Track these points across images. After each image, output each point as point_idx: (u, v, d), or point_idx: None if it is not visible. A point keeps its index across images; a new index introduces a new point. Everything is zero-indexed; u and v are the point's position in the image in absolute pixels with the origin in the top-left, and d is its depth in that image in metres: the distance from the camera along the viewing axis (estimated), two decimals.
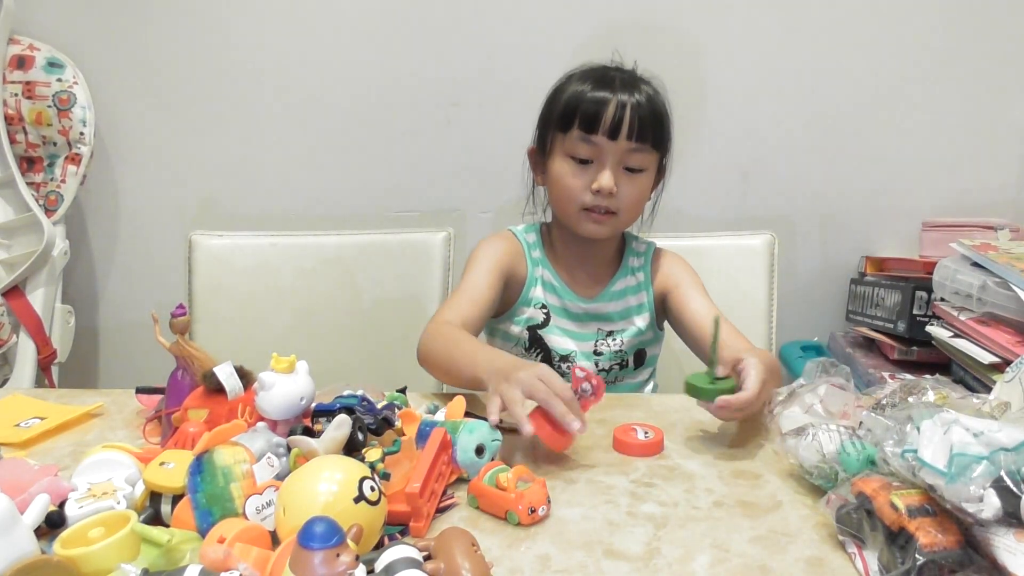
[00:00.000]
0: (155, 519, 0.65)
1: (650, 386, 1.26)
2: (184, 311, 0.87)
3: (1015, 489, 0.54)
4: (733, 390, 0.84)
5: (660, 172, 1.16)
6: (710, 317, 1.14)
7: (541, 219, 1.24)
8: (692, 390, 0.86)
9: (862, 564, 0.61)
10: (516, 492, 0.68)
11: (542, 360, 1.17)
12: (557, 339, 1.17)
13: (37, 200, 1.74)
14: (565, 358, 1.17)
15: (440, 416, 0.84)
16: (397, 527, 0.67)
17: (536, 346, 1.17)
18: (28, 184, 1.75)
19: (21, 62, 1.72)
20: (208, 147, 1.86)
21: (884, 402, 0.77)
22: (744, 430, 0.91)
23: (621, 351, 1.19)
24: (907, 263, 1.66)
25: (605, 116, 1.06)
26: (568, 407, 0.78)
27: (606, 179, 1.07)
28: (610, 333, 1.18)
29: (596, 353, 1.18)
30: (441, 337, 1.03)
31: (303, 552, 0.51)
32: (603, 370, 1.18)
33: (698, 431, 0.91)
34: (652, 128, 1.08)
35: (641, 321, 1.20)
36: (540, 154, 1.17)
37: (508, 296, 1.17)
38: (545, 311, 1.18)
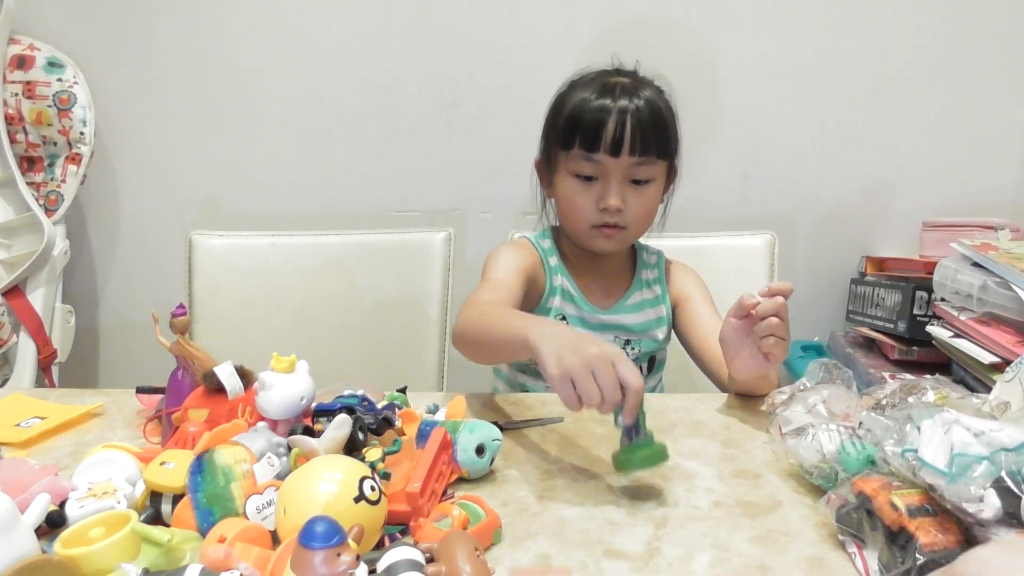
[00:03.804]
0: (155, 519, 0.65)
1: (657, 389, 1.25)
2: (184, 311, 0.87)
3: (1015, 489, 0.54)
4: (662, 451, 0.74)
5: (671, 174, 1.14)
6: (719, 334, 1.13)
7: (553, 223, 1.21)
8: (622, 464, 0.75)
9: (862, 564, 0.61)
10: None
11: None
12: None
13: (37, 200, 1.74)
14: None
15: (440, 416, 0.84)
16: (397, 527, 0.67)
17: None
18: (28, 184, 1.75)
19: (21, 62, 1.72)
20: (208, 147, 1.86)
21: (884, 402, 0.77)
22: (744, 430, 0.91)
23: (637, 359, 1.17)
24: (907, 263, 1.66)
25: (605, 133, 1.03)
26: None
27: (612, 199, 1.05)
28: (628, 342, 1.17)
29: None
30: (478, 309, 0.96)
31: (304, 552, 0.51)
32: None
33: (698, 431, 0.91)
34: (656, 139, 1.05)
35: (661, 334, 1.19)
36: (546, 167, 1.15)
37: (526, 305, 1.13)
38: (564, 322, 1.15)
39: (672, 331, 1.22)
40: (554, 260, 1.17)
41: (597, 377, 0.70)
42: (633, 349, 1.17)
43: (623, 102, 1.04)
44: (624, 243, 1.14)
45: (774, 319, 0.88)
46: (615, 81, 1.08)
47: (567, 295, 1.16)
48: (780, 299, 0.88)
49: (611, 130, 1.03)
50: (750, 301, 0.90)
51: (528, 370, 1.18)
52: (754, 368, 0.92)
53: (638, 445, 0.74)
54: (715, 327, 1.08)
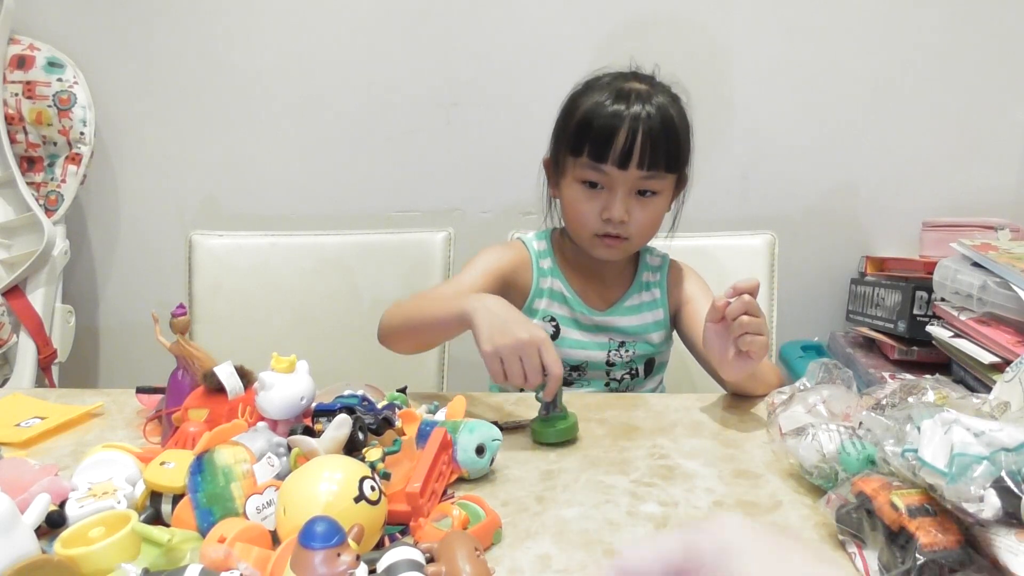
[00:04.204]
0: (155, 519, 0.65)
1: (658, 391, 1.24)
2: (184, 311, 0.87)
3: (1015, 489, 0.54)
4: (574, 426, 0.88)
5: (681, 182, 1.12)
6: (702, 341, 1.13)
7: (555, 225, 1.20)
8: (538, 434, 0.87)
9: (862, 564, 0.61)
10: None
11: None
12: (568, 351, 1.14)
13: (37, 200, 1.74)
14: (576, 368, 1.15)
15: (440, 416, 0.84)
16: (397, 527, 0.67)
17: None
18: (28, 184, 1.75)
19: (21, 62, 1.72)
20: (208, 147, 1.86)
21: (884, 402, 0.77)
22: (744, 430, 0.91)
23: (632, 361, 1.17)
24: (907, 263, 1.66)
25: (615, 145, 1.01)
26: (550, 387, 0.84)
27: (616, 210, 1.04)
28: (622, 343, 1.16)
29: (609, 364, 1.16)
30: (408, 300, 1.04)
31: (304, 552, 0.51)
32: (614, 379, 1.17)
33: (698, 431, 0.91)
34: (666, 153, 1.03)
35: (657, 337, 1.18)
36: (554, 167, 1.13)
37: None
38: (554, 324, 1.15)
39: (672, 334, 1.22)
40: (547, 262, 1.17)
41: (523, 361, 0.84)
42: (628, 351, 1.16)
43: (636, 111, 1.02)
44: (625, 253, 1.14)
45: (744, 317, 0.88)
46: (630, 88, 1.05)
47: (558, 296, 1.15)
48: (747, 297, 0.88)
49: (621, 141, 1.02)
50: (720, 303, 0.89)
51: None
52: (740, 368, 0.92)
53: (554, 418, 0.87)
54: None
